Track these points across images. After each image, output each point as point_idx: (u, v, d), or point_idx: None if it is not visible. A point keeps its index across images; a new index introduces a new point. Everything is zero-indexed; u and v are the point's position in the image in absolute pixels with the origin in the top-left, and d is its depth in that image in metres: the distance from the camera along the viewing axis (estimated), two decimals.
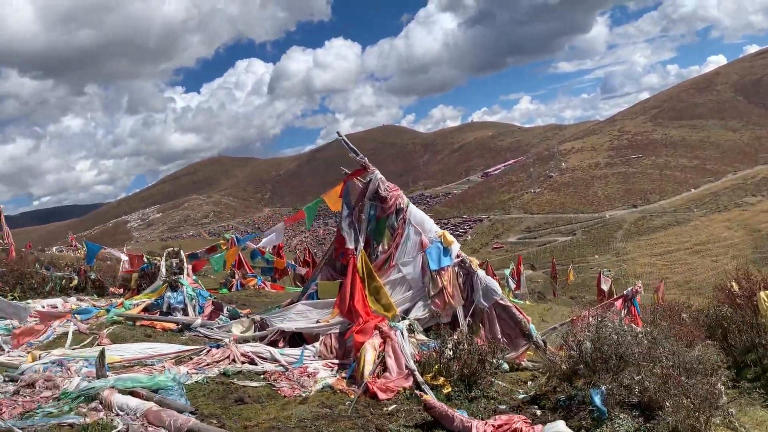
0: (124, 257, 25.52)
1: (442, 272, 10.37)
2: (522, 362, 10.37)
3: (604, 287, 31.77)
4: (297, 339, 11.15)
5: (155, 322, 12.86)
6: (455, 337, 9.00)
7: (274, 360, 10.09)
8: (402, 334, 9.31)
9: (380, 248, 11.39)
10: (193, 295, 13.86)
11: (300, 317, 10.98)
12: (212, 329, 12.41)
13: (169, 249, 16.71)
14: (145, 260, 24.65)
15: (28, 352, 10.74)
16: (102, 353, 8.66)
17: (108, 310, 14.04)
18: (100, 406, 7.99)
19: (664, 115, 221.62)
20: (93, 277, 26.13)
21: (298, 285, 29.81)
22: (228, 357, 10.02)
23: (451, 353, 8.65)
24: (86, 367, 9.83)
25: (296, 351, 10.34)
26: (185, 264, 15.33)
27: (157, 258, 17.68)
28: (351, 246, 10.71)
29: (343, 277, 10.92)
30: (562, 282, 43.10)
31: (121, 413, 7.71)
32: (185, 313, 13.61)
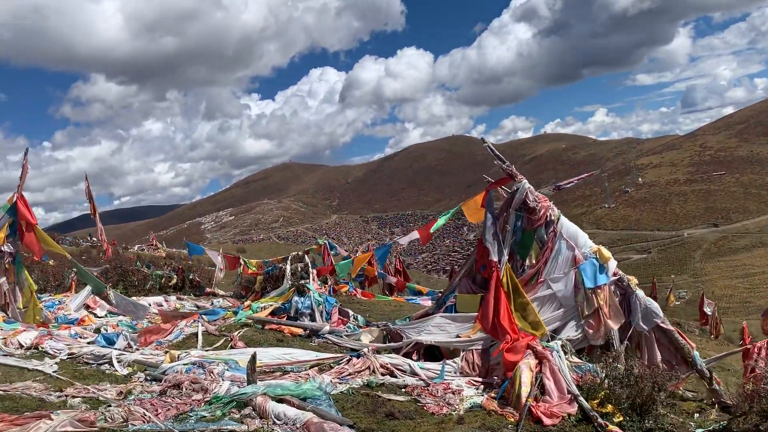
0: (220, 259, 25.92)
1: (598, 291, 9.68)
2: (679, 391, 9.59)
3: (707, 310, 29.99)
4: (432, 353, 10.74)
5: (283, 327, 12.74)
6: (620, 362, 8.36)
7: (414, 373, 9.72)
8: (559, 354, 8.73)
9: (527, 262, 10.80)
10: (320, 301, 13.69)
11: (438, 330, 10.54)
12: (341, 336, 12.17)
13: (293, 253, 16.70)
14: (242, 261, 24.98)
15: (166, 352, 10.73)
16: (253, 358, 8.46)
17: (235, 312, 14.07)
18: (253, 413, 7.80)
19: (751, 131, 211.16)
20: (191, 277, 26.72)
21: (386, 293, 29.61)
22: (369, 368, 9.71)
23: (617, 378, 8.02)
24: (228, 370, 9.73)
25: (436, 366, 9.91)
26: (310, 268, 15.24)
27: (282, 262, 17.68)
28: (495, 258, 10.14)
29: (484, 291, 10.43)
30: (661, 304, 40.67)
31: (278, 422, 7.48)
32: (312, 318, 13.42)
